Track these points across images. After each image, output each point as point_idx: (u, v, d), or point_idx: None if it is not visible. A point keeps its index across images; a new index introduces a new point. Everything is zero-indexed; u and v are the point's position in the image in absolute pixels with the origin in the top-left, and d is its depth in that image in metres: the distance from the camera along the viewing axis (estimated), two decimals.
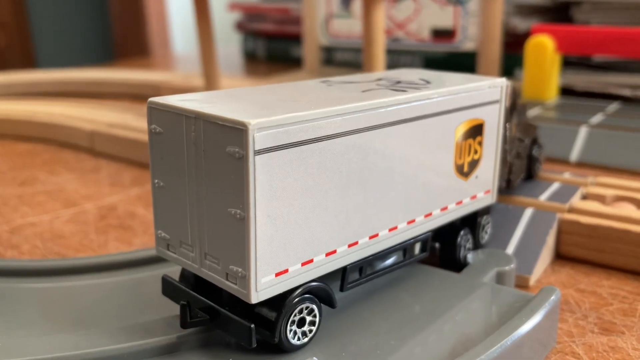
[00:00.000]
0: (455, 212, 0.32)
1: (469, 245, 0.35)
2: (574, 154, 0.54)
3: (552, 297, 0.29)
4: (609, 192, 0.41)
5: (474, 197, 0.33)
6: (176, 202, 0.26)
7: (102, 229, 0.44)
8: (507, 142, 0.38)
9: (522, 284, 0.35)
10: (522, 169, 0.42)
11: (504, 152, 0.38)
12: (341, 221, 0.26)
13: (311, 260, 0.25)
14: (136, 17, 1.73)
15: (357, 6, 0.82)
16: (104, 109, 0.71)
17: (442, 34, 0.76)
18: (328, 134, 0.24)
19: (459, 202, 0.32)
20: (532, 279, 0.35)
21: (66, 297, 0.32)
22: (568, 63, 0.77)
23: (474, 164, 0.33)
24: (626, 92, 0.71)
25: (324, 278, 0.26)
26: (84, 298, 0.32)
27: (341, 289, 0.28)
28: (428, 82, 0.31)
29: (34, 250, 0.41)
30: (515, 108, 0.41)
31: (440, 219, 0.32)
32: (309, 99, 0.26)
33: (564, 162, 0.54)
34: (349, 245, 0.27)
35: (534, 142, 0.44)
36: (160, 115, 0.25)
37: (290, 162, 0.23)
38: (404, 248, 0.30)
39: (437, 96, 0.29)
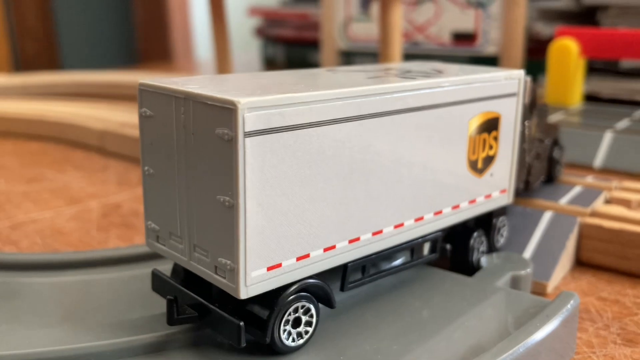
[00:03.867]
0: (468, 212, 0.30)
1: (483, 248, 0.33)
2: (598, 160, 0.52)
3: (570, 303, 0.27)
4: (635, 197, 0.39)
5: (488, 196, 0.31)
6: (165, 191, 0.24)
7: (104, 227, 0.43)
8: (526, 141, 0.36)
9: (539, 290, 0.33)
10: (541, 170, 0.40)
11: (523, 152, 0.36)
12: (341, 214, 0.24)
13: (307, 255, 0.23)
14: (160, 24, 1.74)
15: (376, 9, 0.80)
16: (116, 109, 0.70)
17: (463, 38, 0.74)
18: (327, 118, 0.23)
19: (472, 201, 0.30)
20: (550, 286, 0.33)
21: (56, 292, 0.30)
22: (593, 69, 0.75)
23: (488, 161, 0.31)
24: None
25: (323, 276, 0.25)
26: (75, 293, 0.30)
27: (342, 289, 0.26)
28: (440, 72, 0.29)
29: (33, 247, 0.40)
30: (535, 106, 0.39)
31: (451, 218, 0.30)
32: (309, 82, 0.24)
33: (587, 168, 0.52)
34: (350, 241, 0.25)
35: (555, 143, 0.41)
36: (151, 98, 0.24)
37: (285, 147, 0.22)
38: (412, 247, 0.28)
39: (448, 85, 0.27)
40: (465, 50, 0.74)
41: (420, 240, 0.29)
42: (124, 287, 0.31)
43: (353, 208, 0.25)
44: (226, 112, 0.20)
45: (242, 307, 0.23)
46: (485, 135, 0.30)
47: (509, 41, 0.71)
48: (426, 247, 0.30)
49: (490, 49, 0.72)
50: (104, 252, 0.33)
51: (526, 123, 0.36)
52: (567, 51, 0.61)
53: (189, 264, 0.24)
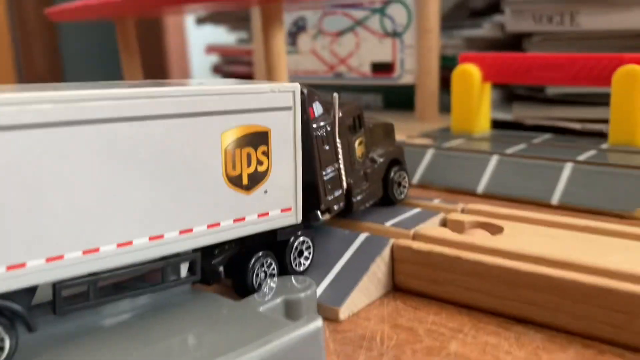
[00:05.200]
0: (234, 231, 0.29)
1: (272, 270, 0.31)
2: (481, 186, 0.50)
3: (307, 328, 0.25)
4: (470, 219, 0.36)
5: (264, 214, 0.30)
6: None
7: None
8: (340, 160, 0.34)
9: (331, 316, 0.30)
10: (373, 191, 0.38)
11: (338, 171, 0.34)
12: (31, 229, 0.23)
13: None
14: (160, 75, 1.76)
15: (303, 41, 0.80)
16: None
17: (382, 68, 0.73)
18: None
19: (240, 219, 0.29)
20: (344, 312, 0.30)
21: None
22: (517, 96, 0.73)
23: (258, 177, 0.29)
24: (576, 126, 0.67)
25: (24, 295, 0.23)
26: None
27: (54, 311, 0.24)
28: (201, 84, 0.28)
29: None
30: (360, 125, 0.37)
31: (208, 238, 0.28)
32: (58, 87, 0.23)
33: (470, 194, 0.50)
34: (48, 260, 0.23)
35: (395, 164, 0.39)
36: None
37: None
38: (156, 268, 0.27)
39: (181, 94, 0.26)
40: (384, 80, 0.73)
41: (163, 261, 0.27)
42: None
43: (48, 222, 0.23)
44: None
45: None
46: (249, 149, 0.28)
47: (424, 70, 0.70)
48: (183, 269, 0.28)
49: (407, 78, 0.71)
50: None
51: (339, 141, 0.34)
52: (469, 76, 0.59)
53: None
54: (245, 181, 0.29)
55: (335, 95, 0.34)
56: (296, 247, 0.32)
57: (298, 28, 0.80)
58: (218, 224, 0.28)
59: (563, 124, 0.67)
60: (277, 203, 0.30)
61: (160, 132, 0.25)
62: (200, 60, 1.27)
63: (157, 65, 1.79)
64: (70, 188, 0.23)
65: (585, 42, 0.69)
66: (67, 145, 0.23)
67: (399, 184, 0.39)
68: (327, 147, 0.34)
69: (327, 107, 0.34)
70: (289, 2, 0.77)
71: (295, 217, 0.31)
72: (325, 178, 0.33)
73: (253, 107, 0.28)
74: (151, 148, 0.25)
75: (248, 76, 1.10)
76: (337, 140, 0.34)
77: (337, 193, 0.35)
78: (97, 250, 0.24)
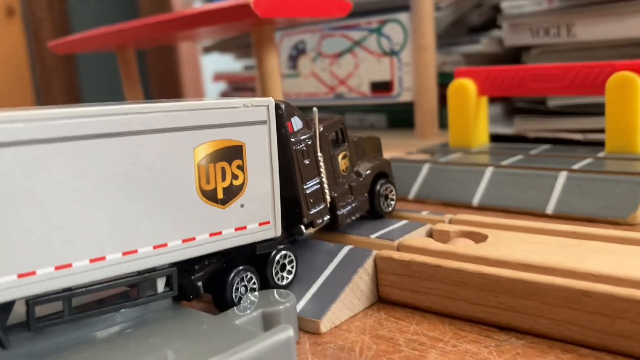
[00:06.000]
0: (210, 245, 0.29)
1: (252, 284, 0.31)
2: (477, 198, 0.49)
3: (278, 337, 0.25)
4: (456, 228, 0.36)
5: (241, 228, 0.30)
6: None
7: None
8: (322, 174, 0.35)
9: (312, 329, 0.30)
10: (359, 205, 0.38)
11: (320, 184, 0.35)
12: (1, 245, 0.23)
13: None
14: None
15: (303, 64, 0.81)
16: None
17: (380, 87, 0.73)
18: None
19: (215, 234, 0.29)
20: (325, 324, 0.30)
21: None
22: (519, 110, 0.73)
23: (234, 191, 0.29)
24: (578, 137, 0.66)
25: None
26: None
27: (29, 328, 0.25)
28: (177, 101, 0.29)
29: None
30: (344, 139, 0.37)
31: (184, 252, 0.28)
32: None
33: (467, 207, 0.49)
34: (20, 276, 0.24)
35: (381, 177, 0.40)
36: None
37: None
38: (134, 284, 0.27)
39: (151, 111, 0.26)
40: (383, 98, 0.73)
41: (137, 276, 0.27)
42: None
43: (19, 239, 0.23)
44: None
45: None
46: (223, 164, 0.29)
47: (421, 87, 0.70)
48: (159, 284, 0.28)
49: (405, 96, 0.71)
50: None
51: (320, 155, 0.35)
52: (465, 91, 0.60)
53: None
54: (220, 195, 0.29)
55: (315, 109, 0.34)
56: (278, 261, 0.32)
57: (298, 51, 0.81)
58: (193, 239, 0.28)
59: (565, 135, 0.67)
60: (255, 217, 0.30)
61: (130, 148, 0.26)
62: (216, 88, 1.29)
63: (172, 95, 1.83)
64: (41, 204, 0.24)
65: (582, 53, 0.68)
66: (37, 162, 0.24)
67: (386, 197, 0.40)
68: (307, 161, 0.34)
69: (308, 122, 0.35)
70: (284, 26, 0.78)
71: (274, 230, 0.31)
72: (307, 192, 0.34)
73: (226, 122, 0.29)
74: (122, 164, 0.26)
75: None
76: (319, 154, 0.35)
77: (320, 207, 0.35)
78: (69, 266, 0.25)
